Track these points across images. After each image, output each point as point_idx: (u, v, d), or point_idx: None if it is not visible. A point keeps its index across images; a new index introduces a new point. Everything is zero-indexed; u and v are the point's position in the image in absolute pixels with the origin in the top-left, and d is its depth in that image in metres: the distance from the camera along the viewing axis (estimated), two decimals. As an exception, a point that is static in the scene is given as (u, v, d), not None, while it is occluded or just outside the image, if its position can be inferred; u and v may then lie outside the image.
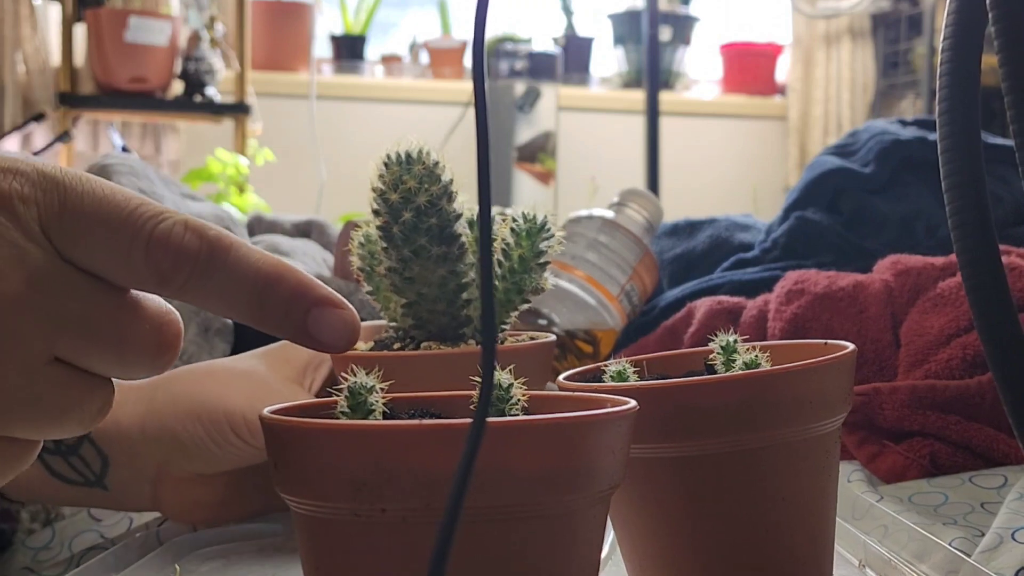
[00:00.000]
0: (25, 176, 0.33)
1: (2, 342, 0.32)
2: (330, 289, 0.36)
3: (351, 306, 0.36)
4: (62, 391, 0.34)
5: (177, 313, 0.37)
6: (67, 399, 0.34)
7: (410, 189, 0.55)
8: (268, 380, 0.62)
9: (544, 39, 3.63)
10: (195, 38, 2.79)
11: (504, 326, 0.60)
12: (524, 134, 3.42)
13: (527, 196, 3.35)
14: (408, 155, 0.55)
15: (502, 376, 0.42)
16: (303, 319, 0.35)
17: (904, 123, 1.16)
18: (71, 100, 2.74)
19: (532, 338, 0.61)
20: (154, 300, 0.36)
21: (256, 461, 0.62)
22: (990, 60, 0.44)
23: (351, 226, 1.08)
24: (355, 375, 0.42)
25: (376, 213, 0.56)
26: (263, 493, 0.65)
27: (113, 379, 0.36)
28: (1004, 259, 0.53)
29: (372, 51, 3.68)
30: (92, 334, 0.33)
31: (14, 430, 0.34)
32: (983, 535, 0.61)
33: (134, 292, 0.35)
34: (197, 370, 0.63)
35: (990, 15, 0.44)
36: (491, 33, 3.45)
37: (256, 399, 0.60)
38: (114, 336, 0.34)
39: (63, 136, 2.65)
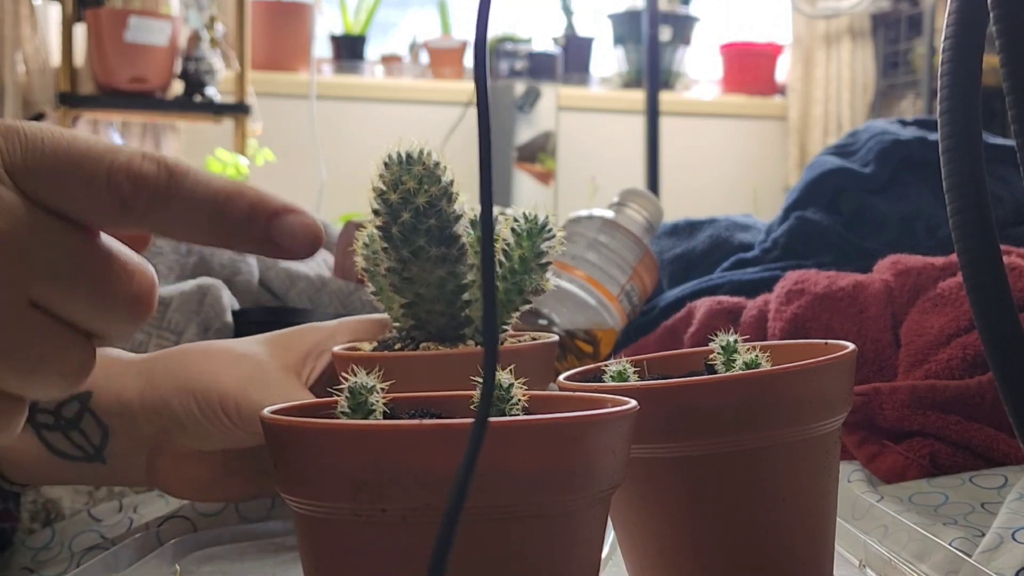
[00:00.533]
0: None
1: None
2: (287, 200, 0.37)
3: (310, 213, 0.37)
4: (39, 336, 0.34)
5: (152, 268, 0.37)
6: (44, 345, 0.34)
7: (409, 190, 0.55)
8: (264, 365, 0.62)
9: (544, 39, 3.63)
10: (195, 38, 2.78)
11: (505, 327, 0.60)
12: (524, 134, 3.42)
13: (527, 196, 3.35)
14: (408, 155, 0.55)
15: (503, 376, 0.42)
16: (265, 229, 0.36)
17: (904, 123, 1.16)
18: (71, 100, 2.74)
19: (534, 339, 0.61)
20: (127, 251, 0.36)
21: (248, 444, 0.62)
22: (991, 60, 0.44)
23: (352, 226, 1.08)
24: (356, 375, 0.42)
25: (376, 213, 0.56)
26: (257, 477, 0.65)
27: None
28: (1004, 259, 0.53)
29: (372, 51, 3.68)
30: (66, 276, 0.34)
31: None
32: (983, 535, 0.61)
33: (106, 240, 0.35)
34: (196, 349, 0.64)
35: (991, 15, 0.44)
36: (491, 33, 3.45)
37: (250, 384, 0.60)
38: (87, 279, 0.34)
39: (63, 136, 2.65)
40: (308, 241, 0.36)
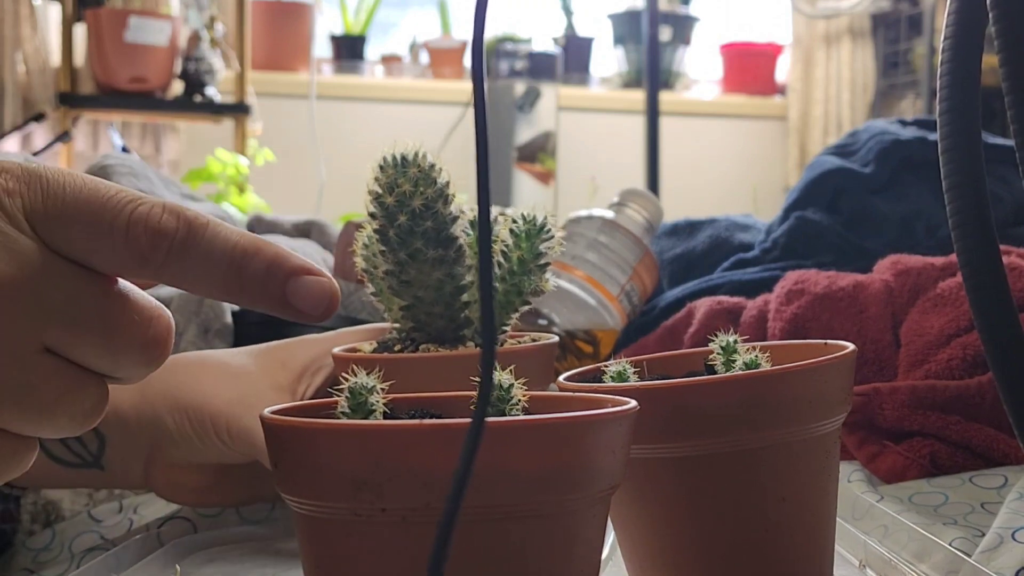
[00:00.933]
0: (9, 172, 0.34)
1: None
2: (305, 259, 0.37)
3: (328, 273, 0.37)
4: (53, 381, 0.34)
5: (168, 312, 0.37)
6: (58, 390, 0.34)
7: (405, 192, 0.55)
8: (258, 385, 0.63)
9: (544, 39, 3.63)
10: (195, 38, 2.78)
11: (504, 327, 0.60)
12: (524, 134, 3.42)
13: (527, 196, 3.35)
14: (404, 158, 0.55)
15: (502, 376, 0.42)
16: (281, 289, 0.36)
17: (904, 123, 1.16)
18: (71, 100, 2.74)
19: (534, 340, 0.61)
20: (144, 296, 0.36)
21: (239, 462, 0.63)
22: (990, 60, 0.44)
23: (352, 226, 1.08)
24: (355, 376, 0.42)
25: (372, 216, 0.56)
26: (251, 482, 0.66)
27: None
28: (1004, 259, 0.53)
29: (372, 51, 3.68)
30: (80, 322, 0.34)
31: (7, 421, 0.34)
32: (983, 535, 0.61)
33: (123, 285, 0.36)
34: (191, 362, 0.64)
35: (990, 15, 0.44)
36: (491, 33, 3.45)
37: (243, 406, 0.61)
38: (102, 325, 0.34)
39: (63, 136, 2.65)
40: (324, 304, 0.36)
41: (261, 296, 0.36)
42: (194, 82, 2.78)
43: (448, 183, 0.56)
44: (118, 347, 0.35)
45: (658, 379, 0.51)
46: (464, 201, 0.57)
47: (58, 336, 0.34)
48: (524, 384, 0.43)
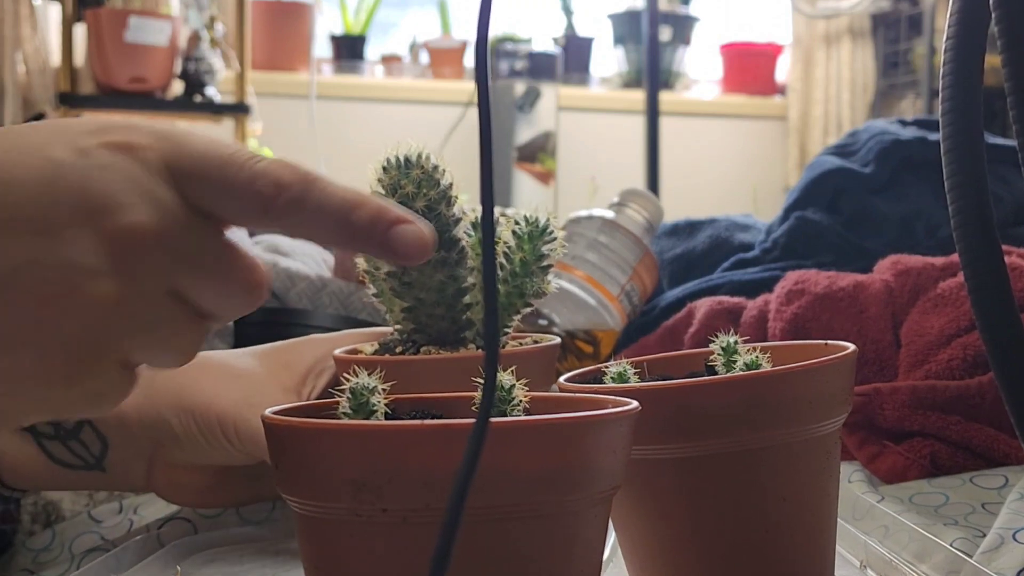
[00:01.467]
0: (143, 130, 0.37)
1: (134, 271, 0.36)
2: (405, 210, 0.40)
3: (426, 221, 0.40)
4: (173, 320, 0.37)
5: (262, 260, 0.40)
6: (175, 328, 0.38)
7: (408, 194, 0.54)
8: (265, 387, 0.63)
9: (544, 39, 3.63)
10: (195, 38, 2.78)
11: (507, 329, 0.60)
12: (524, 134, 3.42)
13: (527, 196, 3.35)
14: (407, 159, 0.55)
15: (504, 377, 0.42)
16: (385, 235, 0.39)
17: (904, 123, 1.16)
18: (71, 100, 2.74)
19: (536, 341, 0.61)
20: (245, 244, 0.40)
21: (244, 463, 0.63)
22: (991, 60, 0.44)
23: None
24: (357, 376, 0.42)
25: (374, 218, 0.56)
26: (252, 482, 0.67)
27: None
28: (1005, 259, 0.53)
29: (372, 51, 3.68)
30: (204, 268, 0.37)
31: (129, 352, 0.37)
32: (984, 535, 0.61)
33: (229, 236, 0.39)
34: (194, 364, 0.63)
35: (993, 15, 0.44)
36: (491, 33, 3.44)
37: (249, 407, 0.61)
38: (220, 270, 0.38)
39: (63, 136, 2.64)
40: (420, 249, 0.39)
41: (366, 241, 0.39)
42: (194, 82, 2.78)
43: (451, 184, 0.56)
44: (232, 291, 0.38)
45: (659, 380, 0.51)
46: (465, 202, 0.57)
47: (183, 280, 0.37)
48: (525, 385, 0.43)
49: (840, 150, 1.16)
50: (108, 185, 0.36)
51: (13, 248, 0.34)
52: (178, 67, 2.79)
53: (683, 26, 3.61)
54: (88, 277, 0.35)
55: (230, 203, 0.38)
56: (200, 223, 0.37)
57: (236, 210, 0.38)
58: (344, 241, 0.39)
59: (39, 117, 2.68)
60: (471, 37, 3.58)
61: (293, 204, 0.38)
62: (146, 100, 2.75)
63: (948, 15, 0.47)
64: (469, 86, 3.47)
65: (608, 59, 3.75)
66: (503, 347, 0.59)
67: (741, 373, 0.50)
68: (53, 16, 2.86)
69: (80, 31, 2.78)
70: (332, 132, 3.31)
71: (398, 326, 0.60)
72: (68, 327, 0.35)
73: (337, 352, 0.61)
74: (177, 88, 2.83)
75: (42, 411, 0.37)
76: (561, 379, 0.53)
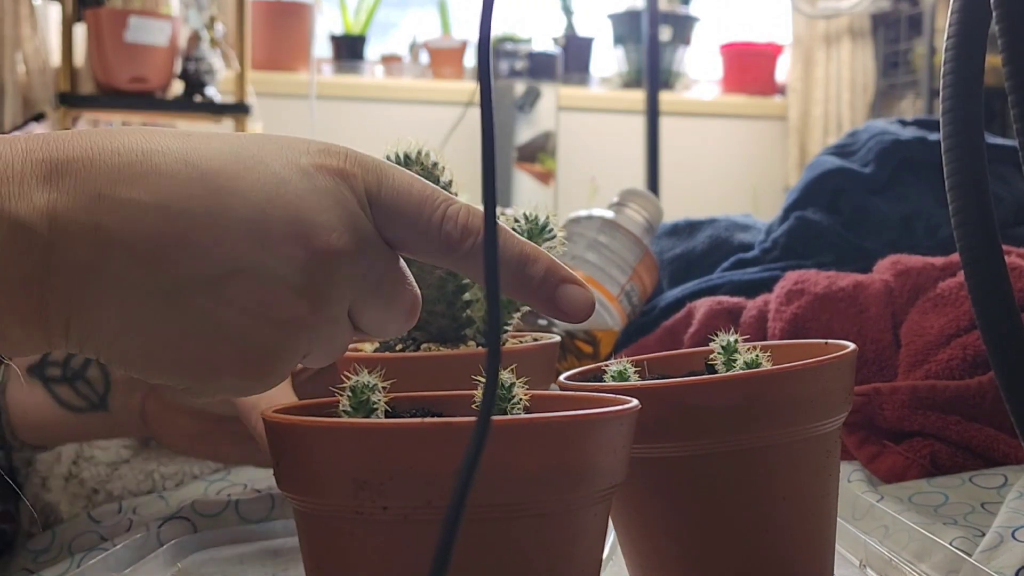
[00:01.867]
0: (354, 158, 0.40)
1: (329, 294, 0.38)
2: (573, 272, 0.42)
3: (586, 285, 0.42)
4: (342, 334, 0.40)
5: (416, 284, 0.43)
6: (343, 341, 0.41)
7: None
8: None
9: (544, 39, 3.63)
10: (195, 38, 2.78)
11: (506, 327, 0.60)
12: (524, 134, 3.42)
13: (527, 196, 3.35)
14: (407, 156, 0.55)
15: (504, 375, 0.42)
16: (553, 291, 0.41)
17: (904, 123, 1.16)
18: (71, 100, 2.73)
19: (536, 339, 0.61)
20: (408, 270, 0.42)
21: (225, 412, 0.69)
22: (991, 60, 0.44)
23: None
24: (357, 374, 0.42)
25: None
26: (243, 442, 0.70)
27: None
28: (1005, 259, 0.53)
29: (372, 51, 3.68)
30: (380, 293, 0.40)
31: (310, 361, 0.40)
32: (983, 535, 0.61)
33: (401, 263, 0.42)
34: None
35: (994, 14, 0.44)
36: (492, 33, 3.44)
37: None
38: (392, 297, 0.41)
39: (63, 136, 2.64)
40: (583, 311, 0.42)
41: (535, 294, 0.42)
42: (194, 82, 2.78)
43: (451, 181, 0.56)
44: (394, 316, 0.41)
45: (659, 379, 0.51)
46: (465, 200, 0.57)
47: (361, 302, 0.40)
48: (526, 383, 0.43)
49: (840, 150, 1.16)
50: (322, 209, 0.38)
51: (235, 252, 0.36)
52: (178, 67, 2.79)
53: (683, 26, 3.61)
54: (291, 295, 0.37)
55: (419, 240, 0.40)
56: (387, 252, 0.40)
57: (423, 247, 0.40)
58: (514, 290, 0.42)
59: (39, 117, 2.69)
60: (471, 37, 3.58)
61: (476, 250, 0.40)
62: (146, 100, 2.75)
63: (948, 15, 0.47)
64: (469, 86, 3.47)
65: (608, 59, 3.75)
66: (503, 345, 0.59)
67: (741, 372, 0.50)
68: (53, 16, 2.86)
69: (80, 31, 2.77)
70: (332, 132, 3.31)
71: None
72: (260, 337, 0.37)
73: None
74: (177, 88, 2.83)
75: (229, 394, 0.40)
76: (561, 377, 0.53)
